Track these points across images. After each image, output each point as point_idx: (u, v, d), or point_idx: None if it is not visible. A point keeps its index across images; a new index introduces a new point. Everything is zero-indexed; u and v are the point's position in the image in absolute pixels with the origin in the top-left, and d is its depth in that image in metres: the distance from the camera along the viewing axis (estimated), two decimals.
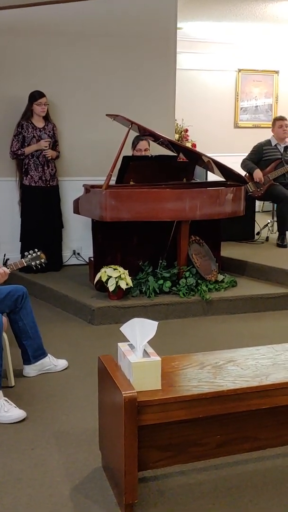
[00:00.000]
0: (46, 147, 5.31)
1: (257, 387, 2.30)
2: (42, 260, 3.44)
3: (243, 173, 6.07)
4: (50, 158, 5.39)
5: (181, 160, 5.56)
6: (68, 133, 5.72)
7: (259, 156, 6.25)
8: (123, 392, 2.12)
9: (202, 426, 2.41)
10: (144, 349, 2.30)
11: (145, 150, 5.55)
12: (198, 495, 2.38)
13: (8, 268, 3.24)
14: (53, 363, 3.60)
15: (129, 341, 2.34)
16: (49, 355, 3.60)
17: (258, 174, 6.13)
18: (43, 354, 3.56)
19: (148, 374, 2.22)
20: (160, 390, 2.23)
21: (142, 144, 5.53)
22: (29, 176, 5.39)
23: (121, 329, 2.34)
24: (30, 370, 3.54)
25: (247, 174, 6.23)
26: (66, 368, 3.65)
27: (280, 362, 2.54)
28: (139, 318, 2.35)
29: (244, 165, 6.27)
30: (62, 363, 3.65)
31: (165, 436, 2.36)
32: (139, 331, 2.30)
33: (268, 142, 6.31)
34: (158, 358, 2.25)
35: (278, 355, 2.63)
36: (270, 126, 6.55)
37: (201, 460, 2.53)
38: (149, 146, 5.58)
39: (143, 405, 2.15)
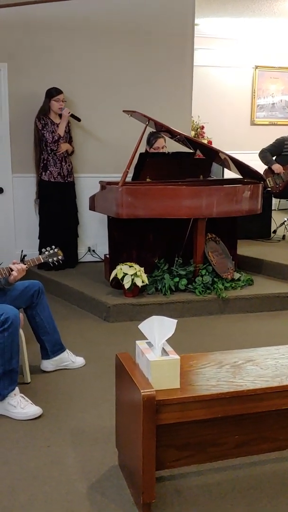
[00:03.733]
0: (69, 112, 5.30)
1: (277, 387, 2.26)
2: (60, 257, 3.43)
3: (260, 166, 6.01)
4: (65, 152, 5.38)
5: (198, 157, 5.52)
6: (84, 130, 5.71)
7: (279, 150, 6.20)
8: (141, 391, 2.09)
9: (220, 426, 2.37)
10: (163, 348, 2.27)
11: (163, 147, 5.52)
12: (216, 496, 2.36)
13: (25, 265, 3.24)
14: (71, 359, 3.60)
15: (147, 339, 2.32)
16: (67, 350, 3.60)
17: (278, 166, 6.07)
18: (61, 349, 3.56)
19: (167, 372, 2.19)
20: (178, 389, 2.20)
21: (159, 142, 5.49)
22: (48, 171, 5.39)
23: (139, 326, 2.31)
24: (48, 364, 3.53)
25: (266, 168, 6.17)
26: (83, 366, 3.64)
27: None
28: (158, 316, 2.32)
29: (262, 155, 6.20)
30: (80, 361, 3.65)
31: (183, 435, 2.33)
32: (158, 329, 2.27)
33: None
34: (177, 357, 2.22)
35: None
36: (287, 123, 6.50)
37: (219, 460, 2.50)
38: (165, 142, 5.55)
39: (162, 404, 2.12)
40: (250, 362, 2.49)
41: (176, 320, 2.28)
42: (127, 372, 2.29)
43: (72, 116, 5.33)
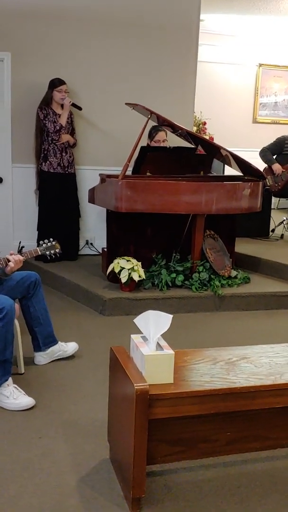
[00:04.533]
0: (71, 102, 5.27)
1: (270, 385, 2.26)
2: (57, 250, 3.41)
3: (261, 164, 5.99)
4: (66, 143, 5.35)
5: (199, 152, 5.51)
6: (86, 122, 5.69)
7: (280, 149, 6.18)
8: (135, 385, 2.08)
9: (213, 423, 2.37)
10: (158, 342, 2.27)
11: (163, 141, 5.50)
12: (206, 492, 2.35)
13: (22, 256, 3.22)
14: (62, 348, 3.59)
15: (142, 333, 2.31)
16: (59, 342, 3.58)
17: (278, 166, 6.06)
18: (53, 342, 3.55)
19: (161, 367, 2.18)
20: (172, 384, 2.19)
21: (160, 135, 5.47)
22: (48, 162, 5.36)
23: (135, 320, 2.30)
24: (41, 358, 3.52)
25: (266, 166, 6.16)
26: (75, 356, 3.63)
27: None
28: (154, 311, 2.31)
29: (263, 154, 6.18)
30: (71, 346, 3.63)
31: (175, 431, 2.33)
32: (153, 324, 2.26)
33: None
34: (172, 352, 2.21)
35: None
36: None
37: (210, 457, 2.50)
38: (166, 136, 5.53)
39: (155, 398, 2.12)
40: (245, 360, 2.49)
41: (172, 315, 2.27)
42: (121, 365, 2.28)
43: (73, 105, 5.30)
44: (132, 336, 2.35)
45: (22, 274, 3.36)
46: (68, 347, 3.62)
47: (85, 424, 2.85)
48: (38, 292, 3.43)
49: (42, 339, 3.51)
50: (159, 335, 2.26)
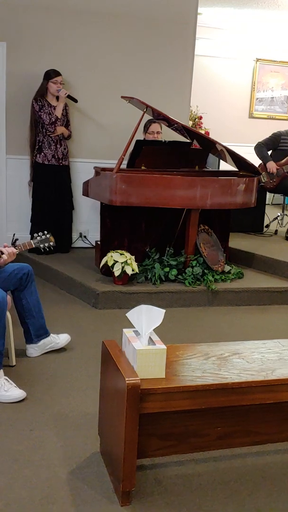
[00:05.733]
0: (66, 93, 5.23)
1: (262, 381, 2.26)
2: (51, 243, 3.40)
3: (256, 159, 5.98)
4: (60, 135, 5.33)
5: (194, 147, 5.49)
6: (81, 114, 5.66)
7: (275, 144, 6.16)
8: (126, 379, 2.09)
9: (204, 418, 2.38)
10: (150, 337, 2.27)
11: (157, 133, 5.49)
12: (195, 486, 2.36)
13: (16, 248, 3.21)
14: (54, 340, 3.58)
15: (134, 327, 2.31)
16: (51, 334, 3.58)
17: (272, 165, 6.05)
18: (45, 334, 3.54)
19: (153, 362, 2.18)
20: (163, 378, 2.20)
21: (154, 127, 5.46)
22: (42, 153, 5.34)
23: (127, 315, 2.30)
24: (33, 350, 3.52)
25: (261, 163, 6.15)
26: (67, 349, 3.63)
27: (287, 357, 2.50)
28: (147, 305, 2.31)
29: (258, 150, 6.15)
30: (63, 338, 3.62)
31: (166, 425, 2.34)
32: (146, 318, 2.26)
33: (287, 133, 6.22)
34: (164, 347, 2.21)
35: (284, 350, 2.59)
36: (285, 118, 6.47)
37: (200, 451, 2.51)
38: (161, 129, 5.51)
39: (146, 393, 2.12)
40: (236, 355, 2.49)
41: (164, 310, 2.27)
42: (112, 359, 2.28)
43: (69, 97, 5.27)
44: (124, 330, 2.35)
45: (14, 266, 3.34)
46: (59, 339, 3.61)
47: (76, 417, 2.85)
48: (30, 285, 3.42)
49: (34, 331, 3.50)
50: (151, 330, 2.26)
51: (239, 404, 2.32)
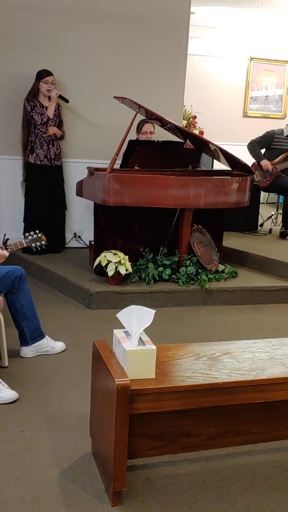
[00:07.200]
0: (58, 93, 5.22)
1: (252, 381, 2.27)
2: (43, 242, 3.39)
3: (250, 158, 5.99)
4: (53, 135, 5.32)
5: (187, 147, 5.49)
6: (74, 114, 5.65)
7: (268, 143, 6.17)
8: (116, 380, 2.09)
9: (195, 417, 2.38)
10: (140, 337, 2.27)
11: (150, 133, 5.49)
12: (187, 486, 2.36)
13: (8, 249, 3.21)
14: (50, 345, 3.58)
15: (125, 328, 2.31)
16: (47, 336, 3.57)
17: (266, 162, 6.06)
18: (40, 336, 3.54)
19: (143, 362, 2.18)
20: (154, 379, 2.20)
21: (147, 127, 5.46)
22: (34, 154, 5.33)
23: (117, 315, 2.30)
24: (28, 351, 3.51)
25: (255, 162, 6.15)
26: (63, 351, 3.63)
27: (277, 357, 2.51)
28: (137, 306, 2.31)
29: (251, 148, 6.14)
30: (59, 346, 3.63)
31: (157, 425, 2.34)
32: (136, 319, 2.26)
33: (281, 132, 6.22)
34: (154, 347, 2.21)
35: (275, 350, 2.60)
36: (280, 117, 6.47)
37: (192, 451, 2.51)
38: (154, 129, 5.51)
39: (136, 393, 2.12)
40: (227, 355, 2.50)
41: (155, 311, 2.27)
42: (103, 360, 2.28)
43: (60, 97, 5.27)
44: (115, 331, 2.35)
45: (6, 269, 3.34)
46: (55, 346, 3.61)
47: (68, 418, 2.85)
48: (23, 287, 3.41)
49: (30, 333, 3.49)
50: (142, 330, 2.26)
51: (230, 403, 2.32)
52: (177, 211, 4.80)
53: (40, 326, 3.54)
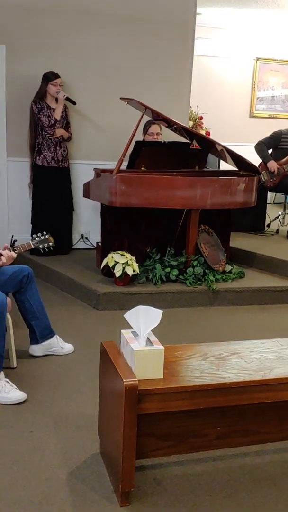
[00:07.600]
0: (65, 95, 5.25)
1: (260, 380, 2.27)
2: (50, 244, 3.41)
3: (257, 158, 5.98)
4: (60, 137, 5.34)
5: (194, 147, 5.50)
6: (81, 116, 5.67)
7: (275, 143, 6.16)
8: (124, 380, 2.09)
9: (203, 417, 2.38)
10: (148, 337, 2.27)
11: (157, 134, 5.49)
12: (195, 486, 2.37)
13: (15, 250, 3.22)
14: (60, 345, 3.59)
15: (132, 329, 2.32)
16: (56, 335, 3.59)
17: (273, 164, 6.05)
18: (50, 334, 3.55)
19: (151, 362, 2.19)
20: (162, 379, 2.20)
21: (154, 128, 5.46)
22: (42, 156, 5.35)
23: (125, 316, 2.31)
24: (37, 349, 3.53)
25: (262, 162, 6.14)
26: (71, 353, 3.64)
27: (285, 357, 2.51)
28: (144, 306, 2.31)
29: (259, 148, 6.14)
30: (68, 347, 3.64)
31: (165, 425, 2.34)
32: (143, 319, 2.27)
33: None
34: (161, 347, 2.22)
35: (283, 349, 2.60)
36: (286, 117, 6.45)
37: (200, 451, 2.51)
38: (160, 130, 5.52)
39: (144, 393, 2.12)
40: (235, 355, 2.50)
41: (162, 311, 2.27)
42: (111, 360, 2.28)
43: (68, 99, 5.28)
44: (123, 331, 2.36)
45: (14, 268, 3.35)
46: (65, 346, 3.63)
47: (76, 419, 2.86)
48: (31, 286, 3.43)
49: (40, 332, 3.51)
50: (149, 331, 2.26)
51: (238, 403, 2.32)
52: (184, 212, 4.81)
53: (50, 324, 3.55)
